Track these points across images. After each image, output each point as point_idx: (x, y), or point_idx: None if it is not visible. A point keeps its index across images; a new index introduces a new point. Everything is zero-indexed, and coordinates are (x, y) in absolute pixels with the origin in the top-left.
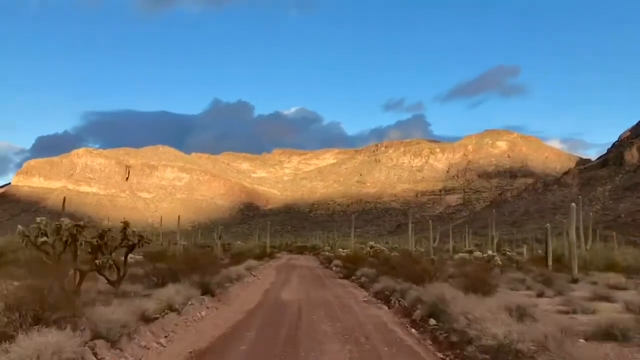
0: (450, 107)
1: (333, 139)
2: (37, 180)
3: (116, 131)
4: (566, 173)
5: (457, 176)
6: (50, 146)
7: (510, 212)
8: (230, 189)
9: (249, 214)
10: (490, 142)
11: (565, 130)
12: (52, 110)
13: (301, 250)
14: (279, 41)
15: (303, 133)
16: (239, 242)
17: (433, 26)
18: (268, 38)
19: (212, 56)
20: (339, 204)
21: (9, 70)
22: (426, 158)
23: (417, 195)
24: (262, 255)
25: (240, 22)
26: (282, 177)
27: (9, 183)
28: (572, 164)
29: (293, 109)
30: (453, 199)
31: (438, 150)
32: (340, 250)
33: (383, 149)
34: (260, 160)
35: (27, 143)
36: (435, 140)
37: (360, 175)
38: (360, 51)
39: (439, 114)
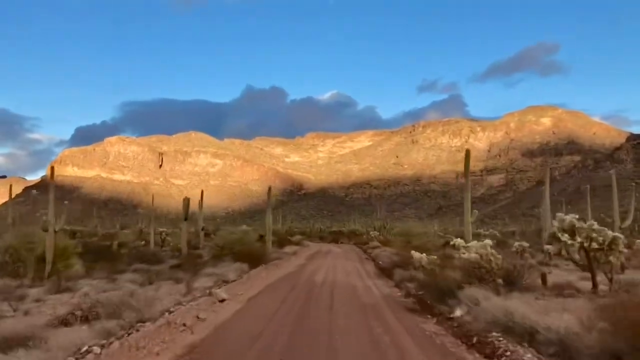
0: (487, 87)
1: (368, 123)
2: (71, 170)
3: (152, 120)
4: (618, 148)
5: (499, 155)
6: (88, 136)
7: (559, 192)
8: (264, 174)
9: (283, 199)
10: (533, 119)
11: (608, 108)
12: (92, 103)
13: (336, 237)
14: (313, 26)
15: (337, 118)
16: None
17: (465, 5)
18: (302, 23)
19: (245, 43)
20: (375, 187)
21: (49, 65)
22: (466, 137)
23: (457, 177)
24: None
25: (275, 9)
26: (317, 161)
27: (45, 174)
28: (622, 140)
29: (328, 94)
30: (495, 179)
31: (478, 129)
32: (394, 237)
33: (420, 129)
34: (294, 145)
35: (68, 135)
36: (474, 119)
37: (397, 157)
38: (393, 33)
39: (476, 95)
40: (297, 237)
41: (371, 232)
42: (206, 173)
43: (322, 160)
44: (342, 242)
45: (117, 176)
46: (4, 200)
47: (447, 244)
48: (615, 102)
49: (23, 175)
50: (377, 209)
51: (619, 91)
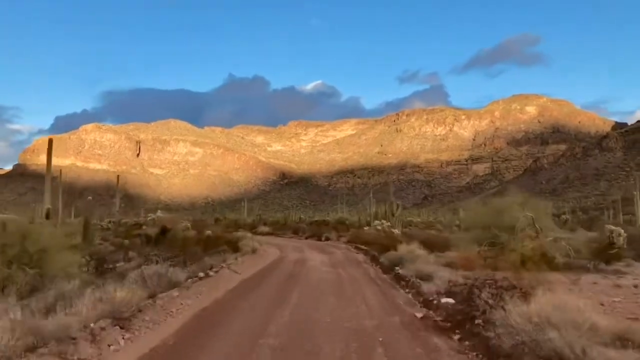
0: (468, 78)
1: (351, 113)
2: (44, 158)
3: (133, 109)
4: (605, 137)
5: (485, 144)
6: (68, 126)
7: (547, 180)
8: (245, 163)
9: (265, 189)
10: (518, 107)
11: (587, 99)
12: (73, 92)
13: (319, 230)
14: (297, 16)
15: (321, 108)
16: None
17: None
18: (286, 13)
19: (228, 32)
20: (359, 177)
21: (30, 54)
22: (450, 126)
23: (442, 165)
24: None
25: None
26: (299, 150)
27: (17, 163)
28: (607, 129)
29: (312, 84)
30: (480, 168)
31: (463, 117)
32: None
33: (404, 117)
34: (276, 133)
35: (48, 125)
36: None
37: (381, 146)
38: (375, 24)
39: (457, 85)
40: (253, 232)
41: (378, 223)
42: (185, 162)
43: (305, 149)
44: (327, 239)
45: (93, 165)
46: None
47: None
48: (595, 94)
49: (2, 166)
50: (358, 200)
51: (599, 83)
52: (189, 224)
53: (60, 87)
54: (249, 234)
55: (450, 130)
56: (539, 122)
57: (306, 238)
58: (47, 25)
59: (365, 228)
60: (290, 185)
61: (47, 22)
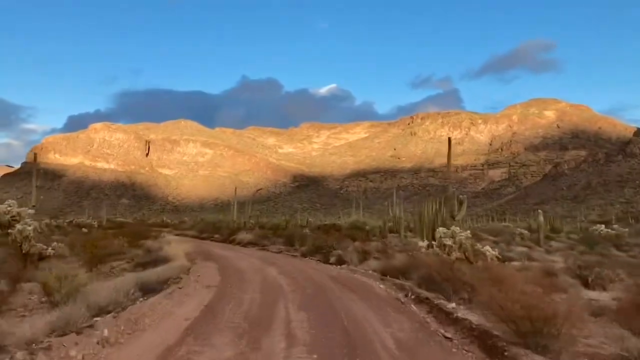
0: (481, 84)
1: (364, 117)
2: (53, 157)
3: (146, 110)
4: (629, 142)
5: (501, 149)
6: (80, 125)
7: (568, 186)
8: (256, 165)
9: (275, 192)
10: (536, 112)
11: (604, 106)
12: (87, 92)
13: (325, 242)
14: (311, 20)
15: (333, 111)
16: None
17: (459, 2)
18: (300, 17)
19: (242, 35)
20: (371, 181)
21: (46, 55)
22: (466, 130)
23: (457, 170)
24: None
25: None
26: (311, 153)
27: (25, 161)
28: (629, 134)
29: (326, 88)
30: (497, 173)
31: (479, 121)
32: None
33: (419, 121)
34: (288, 135)
35: (61, 124)
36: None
37: (395, 149)
38: (388, 29)
39: (470, 90)
40: (230, 240)
41: (446, 233)
42: (195, 162)
43: (317, 151)
44: (342, 262)
45: (101, 164)
46: None
47: None
48: (611, 100)
49: (16, 165)
50: (369, 205)
51: (615, 90)
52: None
53: (75, 87)
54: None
55: (466, 134)
56: (558, 127)
57: (303, 255)
58: (65, 27)
59: (387, 236)
60: (301, 188)
61: (65, 24)
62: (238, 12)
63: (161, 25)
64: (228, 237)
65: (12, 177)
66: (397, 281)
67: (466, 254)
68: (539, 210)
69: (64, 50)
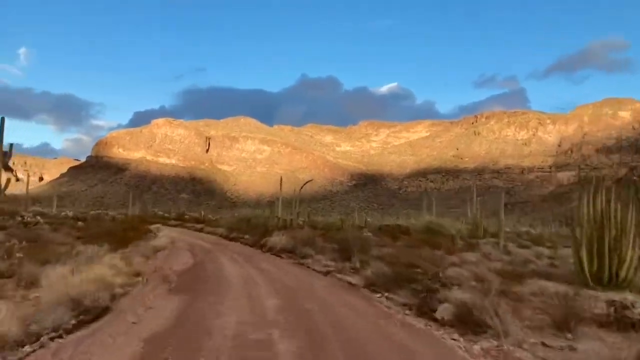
0: (549, 83)
1: (424, 116)
2: (117, 151)
3: (209, 107)
4: None
5: (571, 151)
6: (144, 121)
7: None
8: (313, 163)
9: (332, 190)
10: (610, 112)
11: None
12: (153, 90)
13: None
14: (373, 17)
15: (393, 110)
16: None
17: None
18: (362, 13)
19: (303, 33)
20: (432, 181)
21: (114, 52)
22: (534, 130)
23: (523, 172)
24: None
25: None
26: (369, 151)
27: (90, 155)
28: None
29: (386, 86)
30: (566, 176)
31: (548, 121)
32: None
33: (483, 120)
34: (346, 133)
35: (127, 120)
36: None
37: (457, 149)
38: (450, 27)
39: (537, 90)
40: (261, 245)
41: None
42: (253, 159)
43: (375, 150)
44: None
45: (163, 159)
46: (52, 179)
47: None
48: None
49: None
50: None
51: None
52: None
53: (143, 85)
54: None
55: (534, 134)
56: (634, 128)
57: (371, 286)
58: (134, 26)
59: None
60: (358, 187)
61: (137, 24)
62: (300, 11)
63: (225, 26)
64: (260, 238)
65: (78, 170)
66: None
67: None
68: None
69: (134, 49)
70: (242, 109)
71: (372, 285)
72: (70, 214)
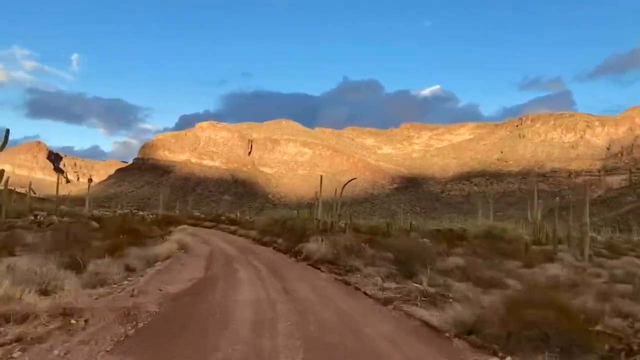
0: (596, 85)
1: (467, 119)
2: (162, 154)
3: (253, 111)
4: None
5: (621, 154)
6: (189, 124)
7: None
8: (354, 165)
9: (373, 193)
10: None
11: None
12: (199, 94)
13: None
14: (415, 20)
15: (435, 112)
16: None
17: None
18: (404, 18)
19: (344, 36)
20: (476, 184)
21: (163, 59)
22: (581, 133)
23: (570, 176)
24: None
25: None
26: (411, 154)
27: (136, 157)
28: None
29: (429, 89)
30: (616, 180)
31: (596, 123)
32: None
33: (528, 122)
34: (387, 136)
35: (173, 123)
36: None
37: (501, 152)
38: (494, 28)
39: (584, 93)
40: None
41: None
42: (295, 162)
43: (417, 153)
44: None
45: (206, 161)
46: (100, 180)
47: None
48: None
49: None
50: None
51: None
52: None
53: (189, 89)
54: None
55: (581, 137)
56: None
57: (464, 340)
58: (181, 32)
59: None
60: (399, 190)
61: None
62: (342, 15)
63: (270, 31)
64: (295, 244)
65: (124, 172)
66: None
67: None
68: None
69: (182, 55)
70: (285, 112)
71: (469, 334)
72: (99, 213)
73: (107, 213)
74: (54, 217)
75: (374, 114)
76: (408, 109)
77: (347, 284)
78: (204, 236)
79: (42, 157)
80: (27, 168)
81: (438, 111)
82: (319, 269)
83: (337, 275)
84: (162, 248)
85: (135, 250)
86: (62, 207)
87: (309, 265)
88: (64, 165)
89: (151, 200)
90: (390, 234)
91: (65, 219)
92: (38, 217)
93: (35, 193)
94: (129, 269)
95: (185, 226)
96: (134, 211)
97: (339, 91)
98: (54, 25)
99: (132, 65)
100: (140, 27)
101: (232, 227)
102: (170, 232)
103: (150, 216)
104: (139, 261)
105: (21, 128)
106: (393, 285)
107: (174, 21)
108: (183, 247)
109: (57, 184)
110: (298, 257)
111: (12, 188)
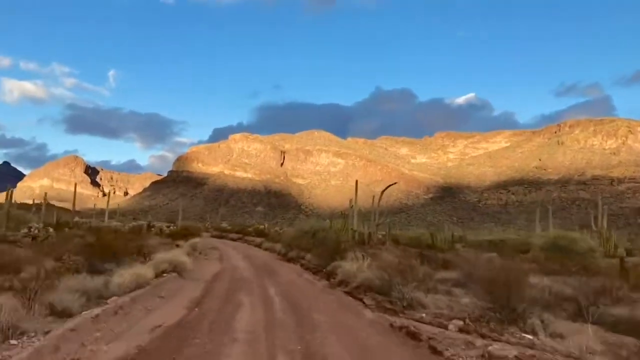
0: (636, 90)
1: (503, 127)
2: (196, 166)
3: (286, 123)
4: None
5: None
6: (223, 136)
7: None
8: (388, 175)
9: (407, 203)
10: None
11: None
12: (232, 107)
13: None
14: (448, 29)
15: (470, 121)
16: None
17: (606, 4)
18: (435, 25)
19: (376, 47)
20: (513, 193)
21: (197, 73)
22: (623, 139)
23: (612, 183)
24: None
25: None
26: (446, 163)
27: (171, 170)
28: None
29: (463, 97)
30: None
31: (639, 129)
32: None
33: (567, 129)
34: (421, 145)
35: (207, 136)
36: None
37: (540, 160)
38: (528, 36)
39: (624, 98)
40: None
41: None
42: (327, 172)
43: (453, 162)
44: None
45: (239, 173)
46: (136, 193)
47: None
48: None
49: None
50: (511, 220)
51: None
52: None
53: (222, 103)
54: None
55: (623, 143)
56: None
57: None
58: (213, 48)
59: None
60: (435, 200)
61: (214, 45)
62: (373, 25)
63: (301, 43)
64: (328, 261)
65: (160, 184)
66: None
67: None
68: None
69: (215, 69)
70: (317, 123)
71: None
72: (106, 224)
73: (116, 224)
74: (51, 230)
75: (407, 123)
76: (442, 117)
77: (414, 337)
78: (222, 250)
79: (80, 171)
80: (65, 182)
81: (472, 120)
82: (361, 300)
83: (392, 314)
84: (138, 271)
85: (81, 278)
86: (78, 219)
87: (347, 293)
88: (101, 179)
89: (185, 212)
90: (437, 247)
91: (66, 230)
92: (32, 229)
93: (45, 203)
94: (53, 313)
95: (197, 240)
96: (151, 223)
97: (371, 101)
98: (92, 42)
99: (167, 81)
100: (174, 44)
101: (258, 240)
102: (177, 245)
103: (170, 228)
104: (79, 297)
105: (61, 143)
106: (497, 345)
107: (207, 37)
108: (174, 267)
109: (74, 194)
110: (331, 280)
111: (45, 201)
